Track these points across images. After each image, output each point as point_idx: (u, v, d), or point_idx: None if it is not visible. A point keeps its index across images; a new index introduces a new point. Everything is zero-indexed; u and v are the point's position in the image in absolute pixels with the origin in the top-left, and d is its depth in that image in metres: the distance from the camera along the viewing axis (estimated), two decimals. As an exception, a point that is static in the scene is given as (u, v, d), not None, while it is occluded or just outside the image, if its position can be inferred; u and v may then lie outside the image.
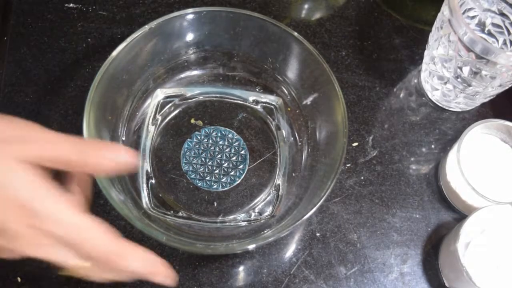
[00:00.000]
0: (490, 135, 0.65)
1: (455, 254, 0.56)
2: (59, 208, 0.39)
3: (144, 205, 0.60)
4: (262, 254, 0.62)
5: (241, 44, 0.65)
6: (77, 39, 0.72)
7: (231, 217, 0.62)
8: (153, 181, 0.62)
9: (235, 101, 0.67)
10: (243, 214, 0.62)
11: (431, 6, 0.68)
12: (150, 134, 0.64)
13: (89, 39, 0.71)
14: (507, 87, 0.63)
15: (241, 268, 0.61)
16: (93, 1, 0.74)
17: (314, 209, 0.52)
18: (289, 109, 0.66)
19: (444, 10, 0.60)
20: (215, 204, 0.63)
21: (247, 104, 0.67)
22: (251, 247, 0.52)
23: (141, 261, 0.41)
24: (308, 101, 0.65)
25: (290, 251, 0.62)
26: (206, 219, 0.61)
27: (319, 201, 0.53)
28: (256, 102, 0.67)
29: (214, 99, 0.67)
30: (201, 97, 0.67)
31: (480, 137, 0.65)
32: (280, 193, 0.62)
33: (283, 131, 0.65)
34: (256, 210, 0.62)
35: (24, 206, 0.38)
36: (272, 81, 0.67)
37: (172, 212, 0.61)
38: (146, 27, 0.59)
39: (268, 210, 0.62)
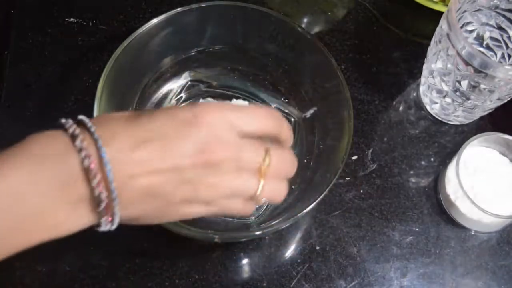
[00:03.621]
0: (489, 148, 0.65)
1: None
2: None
3: None
4: (261, 267, 0.62)
5: (277, 51, 0.65)
6: (77, 53, 0.72)
7: None
8: None
9: (258, 103, 0.67)
10: None
11: (430, 20, 0.68)
12: None
13: (89, 53, 0.72)
14: (505, 101, 0.63)
15: (240, 281, 0.61)
16: (94, 16, 0.74)
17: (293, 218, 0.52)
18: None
19: (443, 24, 0.60)
20: None
21: None
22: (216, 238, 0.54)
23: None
24: (309, 114, 0.65)
25: (289, 264, 0.62)
26: None
27: (306, 208, 0.53)
28: (277, 110, 0.67)
29: (239, 96, 0.68)
30: (226, 91, 0.68)
31: (479, 150, 0.65)
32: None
33: (295, 146, 0.65)
34: None
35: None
36: (296, 93, 0.67)
37: None
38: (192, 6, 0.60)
39: (254, 215, 0.62)
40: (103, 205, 0.38)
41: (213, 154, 0.41)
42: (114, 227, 0.41)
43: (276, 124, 0.45)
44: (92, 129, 0.38)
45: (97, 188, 0.38)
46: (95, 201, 0.38)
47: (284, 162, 0.45)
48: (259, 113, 0.44)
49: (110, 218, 0.40)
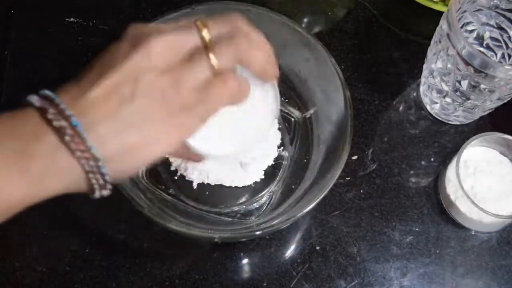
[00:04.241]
0: (489, 148, 0.65)
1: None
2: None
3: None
4: (261, 267, 0.62)
5: (276, 51, 0.64)
6: (77, 53, 0.72)
7: (216, 209, 0.62)
8: None
9: None
10: (228, 210, 0.62)
11: (430, 20, 0.68)
12: None
13: (89, 53, 0.72)
14: (505, 101, 0.63)
15: (240, 281, 0.61)
16: (94, 15, 0.74)
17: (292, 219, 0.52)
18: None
19: (443, 24, 0.60)
20: (207, 193, 0.63)
21: None
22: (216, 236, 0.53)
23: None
24: (309, 114, 0.65)
25: (289, 264, 0.62)
26: (193, 204, 0.62)
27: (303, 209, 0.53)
28: None
29: None
30: None
31: (479, 150, 0.65)
32: (272, 201, 0.63)
33: (295, 146, 0.65)
34: (242, 211, 0.62)
35: None
36: (296, 93, 0.67)
37: (163, 187, 0.61)
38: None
39: (254, 215, 0.62)
40: (70, 135, 0.37)
41: (145, 42, 0.39)
42: (102, 170, 0.39)
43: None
44: (46, 91, 0.40)
45: (55, 122, 0.37)
46: (62, 138, 0.37)
47: (228, 22, 0.43)
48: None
49: (89, 157, 0.38)
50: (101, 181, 0.39)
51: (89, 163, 0.38)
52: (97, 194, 0.40)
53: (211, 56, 0.40)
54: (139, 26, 0.42)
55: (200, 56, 0.40)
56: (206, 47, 0.40)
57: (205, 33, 0.41)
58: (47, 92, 0.39)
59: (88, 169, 0.38)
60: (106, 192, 0.40)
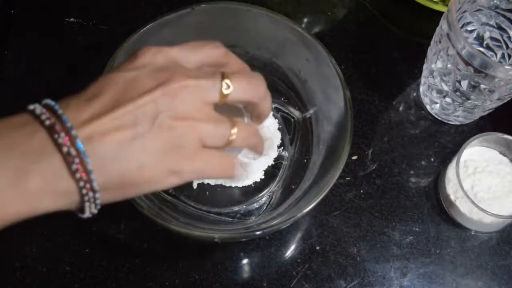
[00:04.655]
0: (489, 148, 0.65)
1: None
2: None
3: None
4: (261, 267, 0.62)
5: (277, 51, 0.65)
6: (77, 53, 0.72)
7: (216, 209, 0.62)
8: None
9: None
10: (228, 210, 0.62)
11: (430, 20, 0.68)
12: None
13: (89, 53, 0.72)
14: (505, 101, 0.63)
15: (240, 281, 0.61)
16: (94, 16, 0.74)
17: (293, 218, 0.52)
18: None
19: (443, 24, 0.60)
20: (207, 193, 0.63)
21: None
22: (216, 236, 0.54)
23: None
24: (309, 114, 0.65)
25: (289, 264, 0.62)
26: (192, 204, 0.62)
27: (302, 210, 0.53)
28: (277, 110, 0.67)
29: None
30: None
31: (479, 150, 0.65)
32: (272, 201, 0.63)
33: (295, 146, 0.65)
34: (242, 211, 0.62)
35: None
36: (296, 93, 0.67)
37: None
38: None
39: (254, 215, 0.62)
40: (76, 162, 0.37)
41: (170, 84, 0.40)
42: (96, 197, 0.39)
43: (220, 53, 0.45)
44: (52, 104, 0.39)
45: (64, 147, 0.37)
46: (66, 161, 0.37)
47: (249, 85, 0.44)
48: (199, 44, 0.44)
49: (88, 187, 0.38)
50: (93, 208, 0.40)
51: (87, 191, 0.38)
52: (86, 215, 0.40)
53: (233, 127, 0.43)
54: (159, 55, 0.42)
55: (224, 123, 0.43)
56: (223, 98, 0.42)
57: (229, 91, 0.42)
58: (56, 108, 0.38)
59: (84, 195, 0.39)
60: (94, 212, 0.41)
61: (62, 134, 0.37)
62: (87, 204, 0.39)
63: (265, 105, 0.46)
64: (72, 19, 0.74)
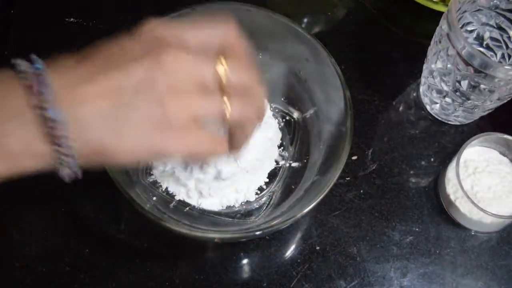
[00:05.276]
0: (489, 149, 0.65)
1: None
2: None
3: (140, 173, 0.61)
4: (261, 267, 0.62)
5: (277, 51, 0.65)
6: (77, 53, 0.72)
7: (215, 209, 0.62)
8: None
9: None
10: (228, 210, 0.62)
11: (430, 20, 0.68)
12: None
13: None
14: (505, 101, 0.63)
15: (240, 281, 0.61)
16: (94, 16, 0.74)
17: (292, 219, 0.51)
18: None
19: (443, 24, 0.60)
20: None
21: (267, 111, 0.66)
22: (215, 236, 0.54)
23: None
24: (309, 114, 0.65)
25: (289, 264, 0.62)
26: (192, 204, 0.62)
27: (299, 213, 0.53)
28: (277, 110, 0.67)
29: None
30: None
31: (479, 150, 0.65)
32: (272, 201, 0.63)
33: (295, 146, 0.65)
34: (242, 211, 0.62)
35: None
36: (296, 93, 0.67)
37: (163, 187, 0.61)
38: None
39: (254, 215, 0.62)
40: (49, 126, 0.36)
41: (161, 54, 0.38)
42: (73, 163, 0.38)
43: (228, 35, 0.42)
44: (38, 64, 0.38)
45: (38, 109, 0.36)
46: (42, 124, 0.36)
47: (245, 72, 0.42)
48: (209, 23, 0.42)
49: (64, 152, 0.37)
50: (69, 171, 0.39)
51: (62, 156, 0.37)
52: (66, 179, 0.39)
53: (226, 101, 0.41)
54: (159, 27, 0.40)
55: (215, 95, 0.40)
56: (223, 89, 0.40)
57: (224, 74, 0.40)
58: (40, 67, 0.37)
59: (59, 159, 0.38)
60: (73, 177, 0.40)
61: (39, 97, 0.36)
62: (65, 168, 0.38)
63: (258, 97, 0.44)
64: (72, 19, 0.74)
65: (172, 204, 0.61)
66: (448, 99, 0.65)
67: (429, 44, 0.65)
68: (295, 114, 0.67)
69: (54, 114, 0.36)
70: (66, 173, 0.39)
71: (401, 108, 0.72)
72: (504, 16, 0.64)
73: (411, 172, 0.68)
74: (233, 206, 0.62)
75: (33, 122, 0.36)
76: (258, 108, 0.44)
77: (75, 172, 0.39)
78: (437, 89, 0.66)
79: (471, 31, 0.66)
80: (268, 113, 0.66)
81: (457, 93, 0.63)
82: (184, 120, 0.39)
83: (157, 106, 0.38)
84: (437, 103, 0.68)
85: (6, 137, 0.36)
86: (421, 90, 0.71)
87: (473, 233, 0.65)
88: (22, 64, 0.37)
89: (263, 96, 0.45)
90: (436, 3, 0.73)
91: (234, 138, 0.44)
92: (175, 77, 0.38)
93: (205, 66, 0.40)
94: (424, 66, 0.68)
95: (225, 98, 0.41)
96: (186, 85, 0.39)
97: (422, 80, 0.69)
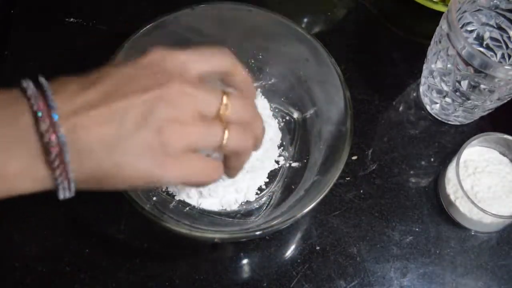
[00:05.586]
0: (489, 149, 0.65)
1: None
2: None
3: None
4: (261, 267, 0.62)
5: (276, 51, 0.65)
6: (77, 53, 0.72)
7: (215, 209, 0.62)
8: None
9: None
10: (228, 210, 0.62)
11: (430, 20, 0.68)
12: None
13: (89, 53, 0.72)
14: (505, 101, 0.63)
15: (240, 281, 0.61)
16: (94, 16, 0.74)
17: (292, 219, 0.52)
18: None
19: (443, 24, 0.60)
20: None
21: (267, 111, 0.66)
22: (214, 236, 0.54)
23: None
24: (309, 114, 0.65)
25: (289, 264, 0.62)
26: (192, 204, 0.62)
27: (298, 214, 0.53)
28: (277, 110, 0.67)
29: None
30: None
31: (479, 150, 0.65)
32: (272, 201, 0.63)
33: (295, 146, 0.65)
34: (242, 211, 0.62)
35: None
36: (296, 93, 0.67)
37: (163, 187, 0.61)
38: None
39: (254, 215, 0.62)
40: (54, 152, 0.37)
41: (165, 87, 0.39)
42: (72, 186, 0.39)
43: (228, 63, 0.44)
44: (46, 87, 0.38)
45: (46, 135, 0.37)
46: (45, 149, 0.37)
47: (245, 108, 0.44)
48: (209, 52, 0.44)
49: (64, 176, 0.38)
50: (67, 194, 0.40)
51: (62, 180, 0.38)
52: (61, 198, 0.40)
53: (226, 133, 0.42)
54: (167, 57, 0.41)
55: (215, 127, 0.41)
56: (222, 121, 0.42)
57: (225, 109, 0.42)
58: (48, 93, 0.38)
59: (59, 183, 0.39)
60: (69, 197, 0.40)
61: (46, 122, 0.37)
62: (62, 190, 0.39)
63: (258, 124, 0.46)
64: (72, 19, 0.74)
65: (172, 204, 0.61)
66: (448, 99, 0.65)
67: (429, 44, 0.65)
68: (295, 114, 0.67)
69: (57, 140, 0.37)
70: (63, 194, 0.40)
71: (401, 108, 0.72)
72: (504, 16, 0.64)
73: (411, 172, 0.68)
74: (233, 206, 0.62)
75: (36, 146, 0.37)
76: (255, 139, 0.45)
77: (71, 193, 0.40)
78: (437, 89, 0.66)
79: (471, 31, 0.66)
80: (268, 113, 0.66)
81: (457, 93, 0.63)
82: (182, 149, 0.40)
83: (156, 135, 0.39)
84: (437, 103, 0.68)
85: (7, 160, 0.37)
86: (421, 90, 0.71)
87: (473, 233, 0.65)
88: (30, 87, 0.38)
89: (262, 127, 0.46)
90: (436, 3, 0.73)
91: (230, 163, 0.46)
92: (177, 110, 0.40)
93: (208, 101, 0.41)
94: (424, 66, 0.68)
95: (225, 131, 0.42)
96: (186, 117, 0.40)
97: (422, 80, 0.69)
